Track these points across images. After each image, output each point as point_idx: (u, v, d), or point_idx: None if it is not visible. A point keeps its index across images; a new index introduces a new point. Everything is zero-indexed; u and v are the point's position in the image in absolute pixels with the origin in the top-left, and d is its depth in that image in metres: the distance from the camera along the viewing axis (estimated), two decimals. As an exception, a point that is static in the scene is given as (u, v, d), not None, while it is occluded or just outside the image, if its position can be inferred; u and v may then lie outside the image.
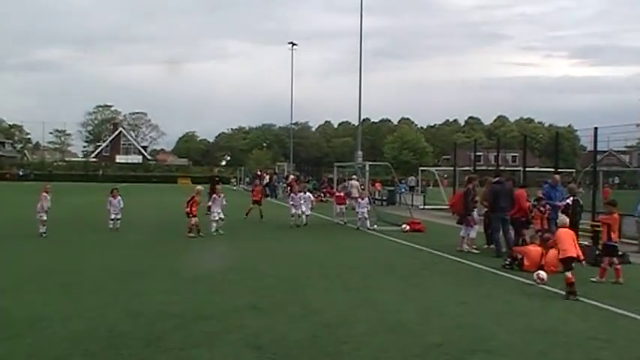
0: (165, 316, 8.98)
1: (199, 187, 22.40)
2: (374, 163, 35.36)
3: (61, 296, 10.34)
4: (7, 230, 20.66)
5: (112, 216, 21.02)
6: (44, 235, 18.90)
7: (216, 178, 30.13)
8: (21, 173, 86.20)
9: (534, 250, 14.37)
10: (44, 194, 19.56)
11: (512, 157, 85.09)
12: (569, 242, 11.45)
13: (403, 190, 42.06)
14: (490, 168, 38.11)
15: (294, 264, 14.87)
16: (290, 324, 8.71)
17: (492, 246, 17.07)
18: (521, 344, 8.08)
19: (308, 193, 26.42)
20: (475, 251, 17.16)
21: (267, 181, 51.87)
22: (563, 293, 11.10)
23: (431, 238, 20.85)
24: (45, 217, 19.21)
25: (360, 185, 30.19)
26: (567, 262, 11.24)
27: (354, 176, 34.42)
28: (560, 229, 11.91)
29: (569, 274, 11.05)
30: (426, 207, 37.75)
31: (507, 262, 14.49)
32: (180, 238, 19.47)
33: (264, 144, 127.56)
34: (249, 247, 18.01)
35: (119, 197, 21.57)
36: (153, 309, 9.39)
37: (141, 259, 15.02)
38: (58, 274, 12.47)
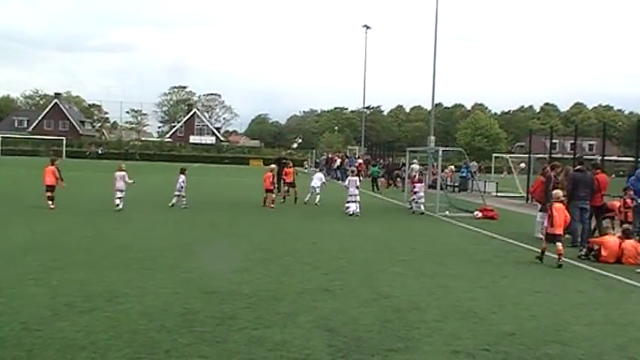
0: (237, 295, 9.10)
1: (273, 165, 23.14)
2: (447, 148, 34.88)
3: (136, 273, 10.59)
4: (87, 206, 21.29)
5: (177, 193, 21.97)
6: (118, 209, 19.81)
7: (284, 160, 30.26)
8: (100, 152, 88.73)
9: (612, 241, 13.94)
10: (119, 172, 20.41)
11: (590, 145, 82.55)
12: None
13: (465, 174, 41.20)
14: (566, 156, 37.13)
15: (365, 247, 14.84)
16: (361, 307, 8.69)
17: (568, 235, 16.64)
18: (598, 337, 7.86)
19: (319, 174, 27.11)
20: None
21: (338, 164, 51.83)
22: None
23: (504, 225, 20.49)
24: (120, 195, 20.10)
25: (423, 171, 30.05)
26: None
27: (415, 160, 34.11)
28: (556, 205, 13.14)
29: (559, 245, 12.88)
30: (499, 194, 37.09)
31: (583, 253, 14.10)
32: (252, 218, 19.73)
33: (336, 127, 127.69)
34: (318, 229, 18.06)
35: (183, 176, 22.26)
36: (225, 288, 9.53)
37: (214, 238, 15.27)
38: (134, 251, 12.79)
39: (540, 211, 17.74)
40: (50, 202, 20.12)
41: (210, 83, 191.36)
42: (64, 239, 14.11)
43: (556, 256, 12.85)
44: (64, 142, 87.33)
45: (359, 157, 54.64)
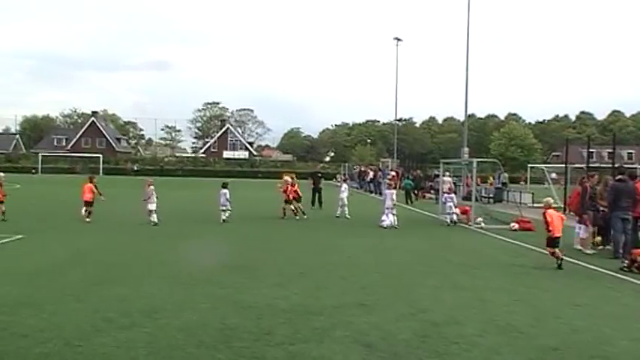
0: (274, 310, 9.11)
1: (287, 177, 24.33)
2: (481, 160, 34.61)
3: (174, 288, 10.67)
4: (124, 222, 21.52)
5: (222, 207, 22.27)
6: (154, 224, 20.33)
7: (319, 174, 30.65)
8: (135, 168, 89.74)
9: (655, 252, 13.66)
10: (149, 187, 21.11)
11: (629, 153, 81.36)
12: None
13: (498, 185, 40.69)
14: (604, 165, 36.57)
15: (401, 260, 14.74)
16: (398, 322, 8.63)
17: (608, 246, 16.36)
18: (644, 352, 7.69)
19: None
20: (588, 252, 16.51)
21: (371, 177, 51.69)
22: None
23: (542, 237, 20.10)
24: (153, 208, 20.76)
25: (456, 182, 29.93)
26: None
27: (447, 172, 33.91)
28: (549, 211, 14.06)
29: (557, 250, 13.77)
30: (535, 205, 36.59)
31: (626, 265, 13.81)
32: (286, 232, 19.78)
33: (368, 140, 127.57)
34: (353, 242, 17.98)
35: (226, 190, 22.58)
36: (262, 303, 9.54)
37: (249, 253, 15.31)
38: (171, 265, 12.93)
39: (579, 223, 17.49)
40: (87, 216, 21.20)
41: (242, 98, 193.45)
42: (102, 255, 14.30)
43: (595, 268, 12.63)
44: (101, 159, 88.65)
45: (392, 170, 54.45)
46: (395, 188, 25.76)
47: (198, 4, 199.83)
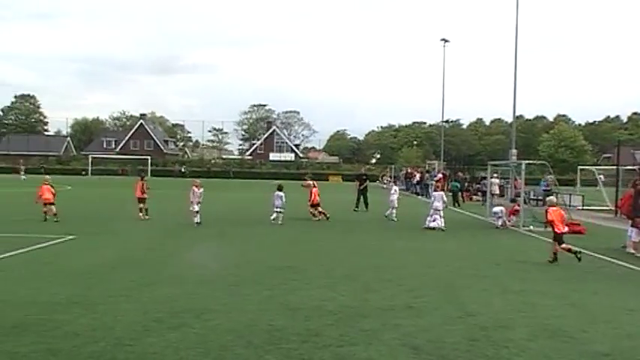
0: (321, 312, 9.12)
1: (310, 181, 24.88)
2: (530, 162, 34.06)
3: (221, 288, 10.77)
4: (172, 222, 21.83)
5: (277, 210, 22.73)
6: (198, 224, 20.80)
7: (364, 177, 30.71)
8: (182, 170, 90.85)
9: None
10: (194, 188, 21.54)
11: (683, 155, 79.27)
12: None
13: (544, 187, 39.98)
14: (657, 167, 35.65)
15: (448, 263, 14.60)
16: (446, 325, 8.56)
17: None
18: (701, 359, 7.49)
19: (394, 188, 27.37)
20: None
21: (418, 179, 51.39)
22: None
23: (592, 240, 19.83)
24: (196, 209, 21.19)
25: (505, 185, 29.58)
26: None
27: (495, 174, 33.48)
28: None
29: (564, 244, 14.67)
30: (585, 207, 35.97)
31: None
32: (332, 234, 19.81)
33: (415, 142, 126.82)
34: (399, 244, 17.90)
35: (282, 193, 22.99)
36: (309, 305, 9.57)
37: (295, 254, 15.38)
38: (217, 267, 13.05)
39: (631, 226, 17.13)
40: (141, 213, 22.66)
41: (288, 100, 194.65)
42: (150, 256, 14.54)
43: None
44: (149, 161, 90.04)
45: (439, 172, 54.03)
46: (442, 190, 25.58)
47: (245, 8, 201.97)
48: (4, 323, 8.11)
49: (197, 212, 21.15)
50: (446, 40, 69.68)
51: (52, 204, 21.87)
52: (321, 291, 10.69)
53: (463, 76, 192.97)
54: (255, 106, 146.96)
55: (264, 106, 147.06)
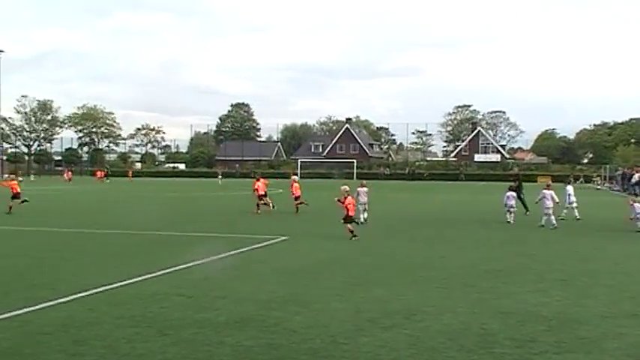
0: (535, 317, 8.81)
1: (346, 187, 19.32)
2: None
3: (430, 290, 10.77)
4: (388, 224, 22.12)
5: (509, 209, 23.54)
6: (363, 223, 21.19)
7: (516, 178, 30.21)
8: (387, 172, 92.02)
9: None
10: (362, 189, 22.64)
11: None
12: None
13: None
14: None
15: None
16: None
17: None
18: None
19: None
20: None
21: (637, 179, 47.85)
22: None
23: None
24: (361, 208, 21.93)
25: None
26: None
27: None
28: None
29: None
30: None
31: None
32: (540, 236, 19.03)
33: (632, 140, 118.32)
34: (615, 249, 16.71)
35: (511, 193, 23.79)
36: (522, 309, 9.28)
37: (502, 257, 14.95)
38: (424, 269, 13.07)
39: None
40: (264, 207, 27.33)
41: (494, 100, 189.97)
42: (359, 257, 14.81)
43: None
44: (355, 164, 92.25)
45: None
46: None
47: (448, 11, 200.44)
48: (228, 318, 8.69)
49: (361, 211, 21.78)
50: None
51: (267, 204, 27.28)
52: (533, 295, 10.32)
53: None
54: (459, 107, 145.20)
55: (469, 106, 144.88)
